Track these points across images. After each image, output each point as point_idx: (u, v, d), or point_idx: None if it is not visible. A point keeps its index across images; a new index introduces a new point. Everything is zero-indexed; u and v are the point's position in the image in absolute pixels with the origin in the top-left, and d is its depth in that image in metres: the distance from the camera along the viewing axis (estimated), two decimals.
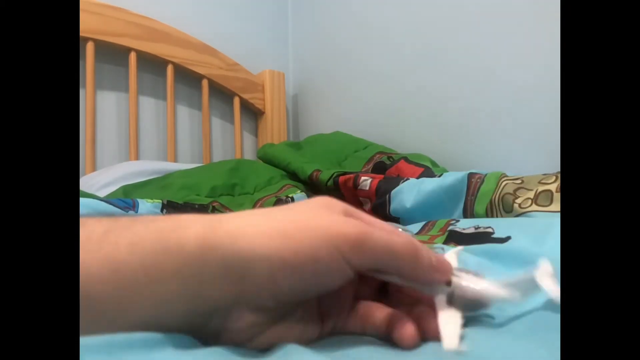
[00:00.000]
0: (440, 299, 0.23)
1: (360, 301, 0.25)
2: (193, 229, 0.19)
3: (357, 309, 0.24)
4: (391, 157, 0.93)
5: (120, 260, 0.18)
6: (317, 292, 0.22)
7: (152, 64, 1.13)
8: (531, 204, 0.57)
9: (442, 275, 0.23)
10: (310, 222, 0.21)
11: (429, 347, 0.21)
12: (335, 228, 0.21)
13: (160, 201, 0.67)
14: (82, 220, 0.20)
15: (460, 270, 0.25)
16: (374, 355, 0.21)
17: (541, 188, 0.58)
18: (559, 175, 0.60)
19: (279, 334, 0.21)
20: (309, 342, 0.22)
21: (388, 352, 0.21)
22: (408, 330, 0.22)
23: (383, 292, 0.26)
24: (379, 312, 0.24)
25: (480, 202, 0.63)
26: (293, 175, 0.95)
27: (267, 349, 0.21)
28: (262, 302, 0.20)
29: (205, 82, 1.19)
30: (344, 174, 0.83)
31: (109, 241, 0.18)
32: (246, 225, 0.20)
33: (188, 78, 1.19)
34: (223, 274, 0.19)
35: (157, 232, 0.19)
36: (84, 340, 0.17)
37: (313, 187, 0.90)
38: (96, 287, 0.18)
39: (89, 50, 1.00)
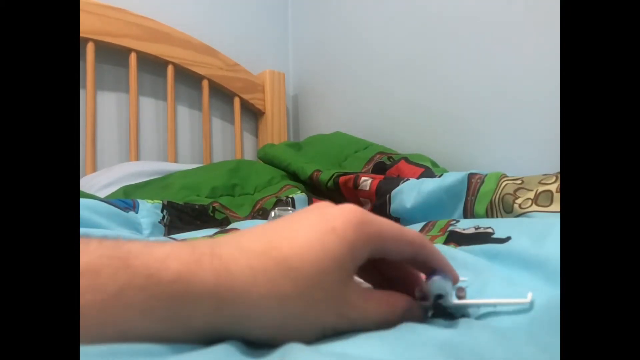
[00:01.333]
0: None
1: None
2: (203, 306, 0.20)
3: None
4: (391, 157, 0.93)
5: (132, 327, 0.19)
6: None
7: (153, 65, 1.13)
8: (531, 205, 0.57)
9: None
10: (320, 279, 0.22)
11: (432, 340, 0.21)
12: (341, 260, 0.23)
13: (161, 202, 0.67)
14: (92, 268, 0.19)
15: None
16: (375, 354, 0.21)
17: (541, 188, 0.58)
18: (559, 175, 0.60)
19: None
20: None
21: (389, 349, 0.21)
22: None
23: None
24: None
25: (480, 203, 0.63)
26: (293, 176, 0.95)
27: (272, 345, 0.21)
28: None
29: (205, 83, 1.19)
30: (344, 174, 0.83)
31: (123, 304, 0.19)
32: (255, 303, 0.21)
33: (188, 78, 1.20)
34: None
35: (169, 302, 0.19)
36: (86, 349, 0.17)
37: (313, 188, 0.90)
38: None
39: (90, 51, 1.00)
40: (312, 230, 0.23)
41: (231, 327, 0.21)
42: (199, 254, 0.21)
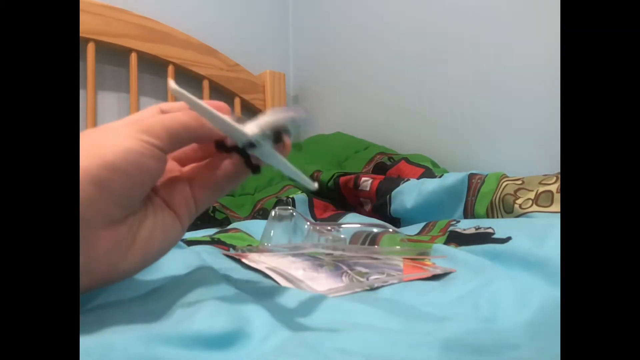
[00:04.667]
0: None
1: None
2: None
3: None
4: (392, 157, 0.93)
5: None
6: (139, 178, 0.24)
7: (153, 65, 1.13)
8: (532, 205, 0.57)
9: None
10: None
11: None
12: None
13: None
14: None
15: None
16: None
17: (542, 189, 0.58)
18: (560, 175, 0.60)
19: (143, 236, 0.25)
20: (177, 226, 0.27)
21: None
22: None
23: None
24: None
25: (480, 203, 0.63)
26: None
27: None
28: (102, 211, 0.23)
29: (206, 83, 1.19)
30: (345, 174, 0.83)
31: None
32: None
33: (189, 79, 1.20)
34: None
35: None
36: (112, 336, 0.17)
37: None
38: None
39: (90, 51, 1.00)
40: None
41: None
42: None
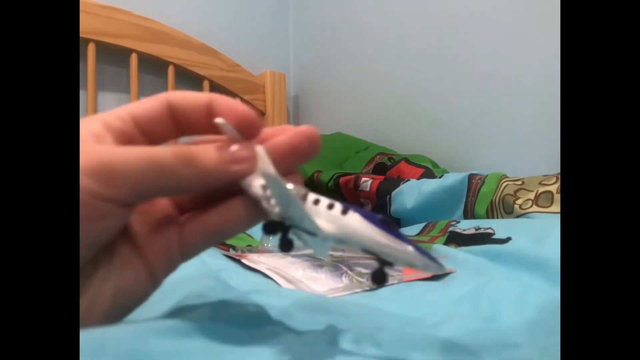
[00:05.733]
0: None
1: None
2: None
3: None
4: (392, 158, 0.93)
5: None
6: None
7: (153, 65, 1.13)
8: (532, 205, 0.57)
9: (244, 165, 0.19)
10: None
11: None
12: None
13: None
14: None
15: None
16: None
17: (542, 189, 0.58)
18: (560, 176, 0.60)
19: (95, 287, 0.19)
20: (143, 284, 0.20)
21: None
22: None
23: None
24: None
25: (480, 203, 0.63)
26: None
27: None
28: None
29: (206, 83, 1.19)
30: (345, 175, 0.83)
31: None
32: None
33: (189, 79, 1.20)
34: None
35: None
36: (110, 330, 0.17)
37: (314, 188, 0.90)
38: None
39: (90, 52, 1.00)
40: None
41: None
42: None
